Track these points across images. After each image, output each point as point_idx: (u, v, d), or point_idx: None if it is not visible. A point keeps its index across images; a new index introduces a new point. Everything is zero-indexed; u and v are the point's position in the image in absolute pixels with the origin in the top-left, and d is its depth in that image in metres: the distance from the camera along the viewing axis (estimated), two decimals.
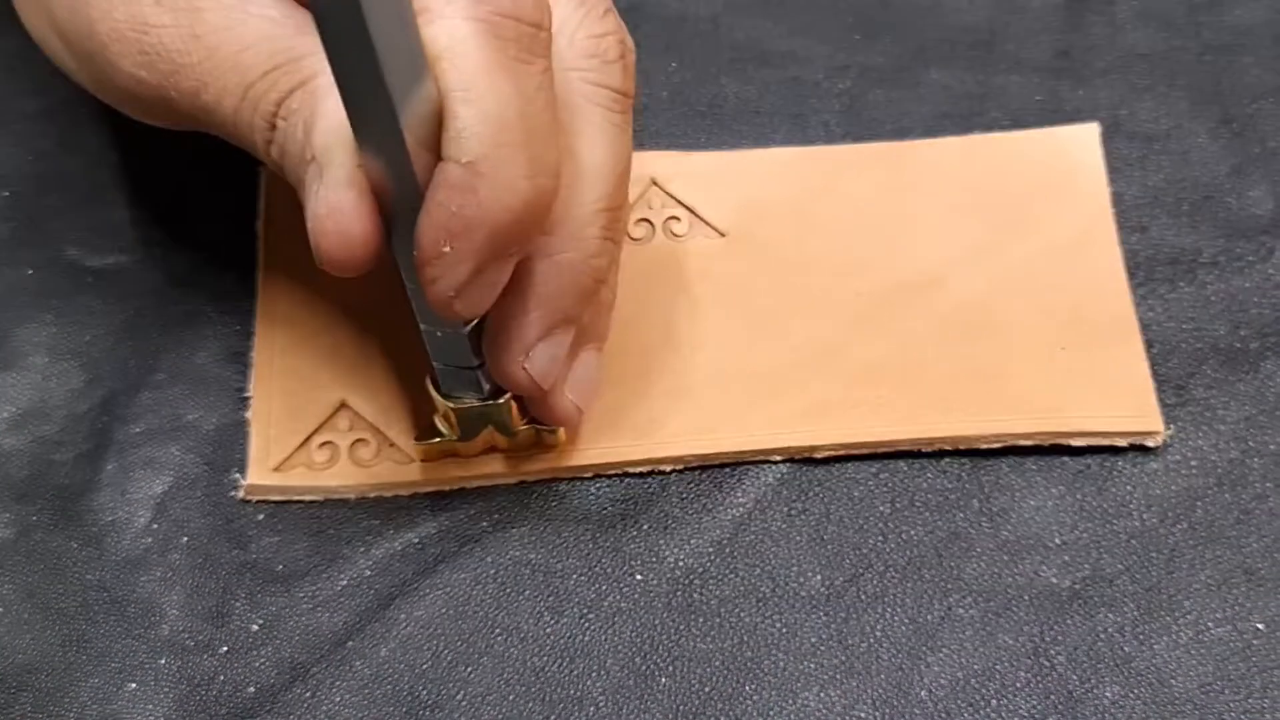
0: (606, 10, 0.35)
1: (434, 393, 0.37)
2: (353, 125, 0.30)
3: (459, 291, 0.32)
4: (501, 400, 0.37)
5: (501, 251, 0.32)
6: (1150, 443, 0.38)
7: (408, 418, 0.39)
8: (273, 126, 0.33)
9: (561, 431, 0.38)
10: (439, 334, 0.35)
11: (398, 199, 0.31)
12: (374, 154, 0.30)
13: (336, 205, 0.31)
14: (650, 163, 0.43)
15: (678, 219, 0.42)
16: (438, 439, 0.38)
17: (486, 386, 0.36)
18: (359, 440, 0.39)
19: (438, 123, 0.30)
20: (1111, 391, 0.39)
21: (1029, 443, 0.38)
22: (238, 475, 0.39)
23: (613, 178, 0.34)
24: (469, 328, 0.35)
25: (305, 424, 0.39)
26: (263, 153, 0.34)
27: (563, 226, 0.34)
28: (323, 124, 0.32)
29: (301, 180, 0.33)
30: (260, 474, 0.39)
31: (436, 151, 0.31)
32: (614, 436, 0.39)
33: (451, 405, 0.37)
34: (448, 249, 0.31)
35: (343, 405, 0.40)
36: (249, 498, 0.39)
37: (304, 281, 0.41)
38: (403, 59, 0.28)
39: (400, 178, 0.31)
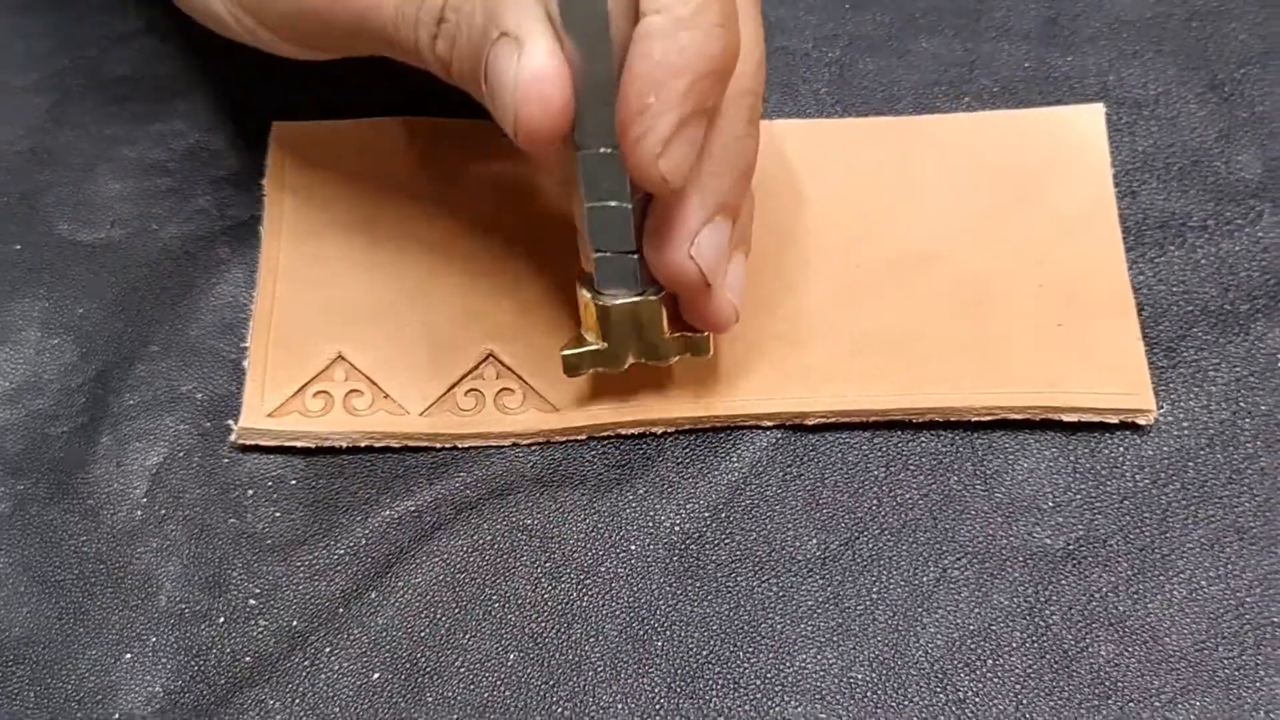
0: None
1: (585, 292, 0.36)
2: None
3: (664, 147, 0.32)
4: (655, 296, 0.36)
5: (701, 104, 0.32)
6: (1142, 420, 0.38)
7: (404, 369, 0.39)
8: (440, 20, 0.33)
9: (711, 340, 0.37)
10: (610, 207, 0.34)
11: (592, 80, 0.32)
12: (574, 27, 0.31)
13: (542, 73, 0.31)
14: None
15: None
16: (586, 348, 0.37)
17: (641, 279, 0.36)
18: (354, 391, 0.39)
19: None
20: (1106, 369, 0.39)
21: (1021, 416, 0.39)
22: (231, 423, 0.39)
23: (753, 62, 0.35)
24: (637, 198, 0.34)
25: (301, 373, 0.40)
26: (425, 48, 0.34)
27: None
28: (514, 3, 0.32)
29: (481, 62, 0.33)
30: (254, 418, 0.39)
31: (630, 19, 0.31)
32: (603, 400, 0.39)
33: (604, 303, 0.36)
34: (652, 100, 0.31)
35: (339, 357, 0.40)
36: (241, 441, 0.39)
37: (306, 236, 0.41)
38: None
39: (597, 55, 0.31)
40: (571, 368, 0.38)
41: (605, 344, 0.37)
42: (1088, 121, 0.42)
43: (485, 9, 0.32)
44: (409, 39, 0.34)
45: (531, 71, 0.31)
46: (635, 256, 0.35)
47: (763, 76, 0.36)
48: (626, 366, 0.38)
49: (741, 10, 0.34)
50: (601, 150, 0.33)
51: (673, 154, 0.32)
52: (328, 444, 0.39)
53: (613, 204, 0.34)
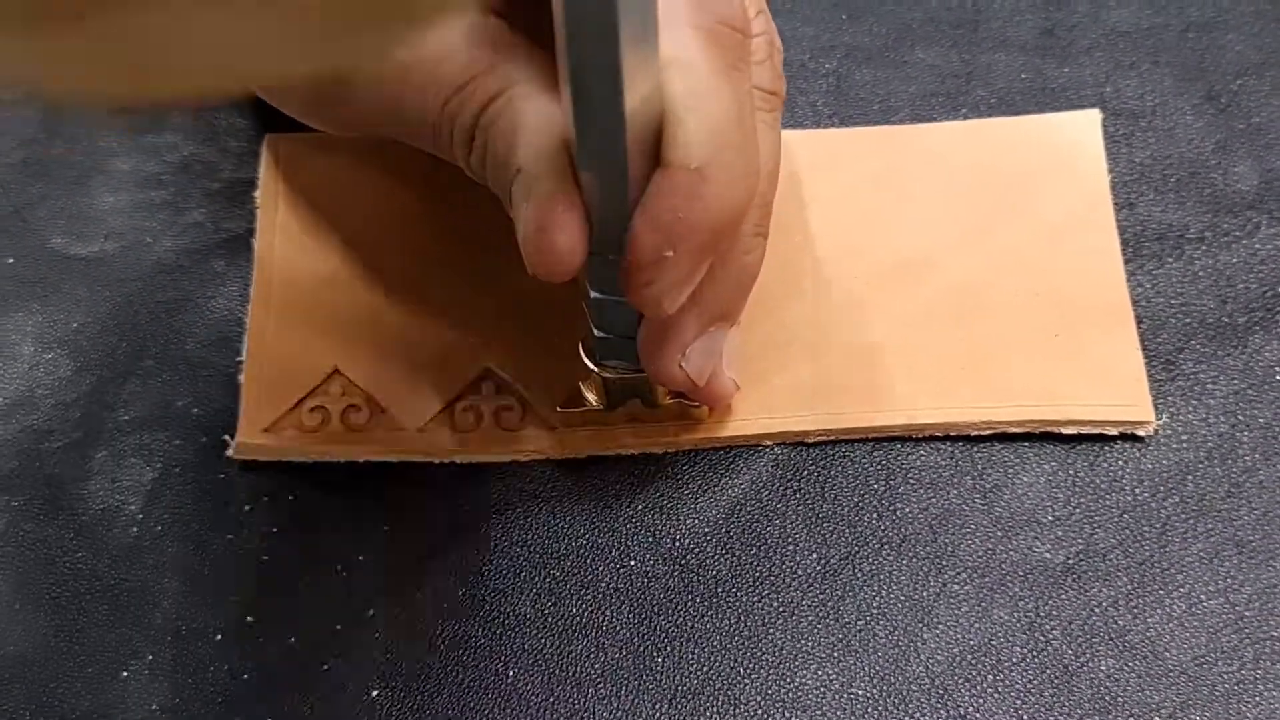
0: (759, 11, 0.35)
1: (587, 361, 0.37)
2: (575, 128, 0.30)
3: (676, 288, 0.32)
4: None
5: (714, 251, 0.32)
6: (1141, 432, 0.38)
7: (401, 385, 0.39)
8: (472, 138, 0.33)
9: (705, 408, 0.38)
10: (612, 302, 0.34)
11: (604, 202, 0.31)
12: (590, 159, 0.31)
13: (548, 221, 0.31)
14: None
15: None
16: (582, 408, 0.38)
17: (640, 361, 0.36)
18: (351, 406, 0.39)
19: (657, 128, 0.31)
20: (1104, 380, 0.39)
21: (1020, 430, 0.39)
22: (227, 438, 0.39)
23: (766, 173, 0.35)
24: None
25: (297, 388, 0.39)
26: (463, 163, 0.34)
27: None
28: (526, 136, 0.32)
29: (507, 192, 0.33)
30: (250, 434, 0.39)
31: (651, 157, 0.31)
32: (604, 420, 0.39)
33: (605, 374, 0.37)
34: (670, 253, 0.31)
35: (335, 372, 0.40)
36: (238, 457, 0.39)
37: (300, 250, 0.41)
38: (640, 63, 0.29)
39: (612, 182, 0.31)
40: (567, 425, 0.39)
41: (602, 406, 0.38)
42: (1084, 128, 0.42)
43: (505, 138, 0.32)
44: (446, 149, 0.34)
45: (538, 221, 0.31)
46: (634, 339, 0.36)
47: (775, 185, 0.35)
48: (622, 421, 0.39)
49: (760, 120, 0.34)
50: (610, 257, 0.33)
51: (678, 294, 0.33)
52: (325, 460, 0.39)
53: (617, 300, 0.34)
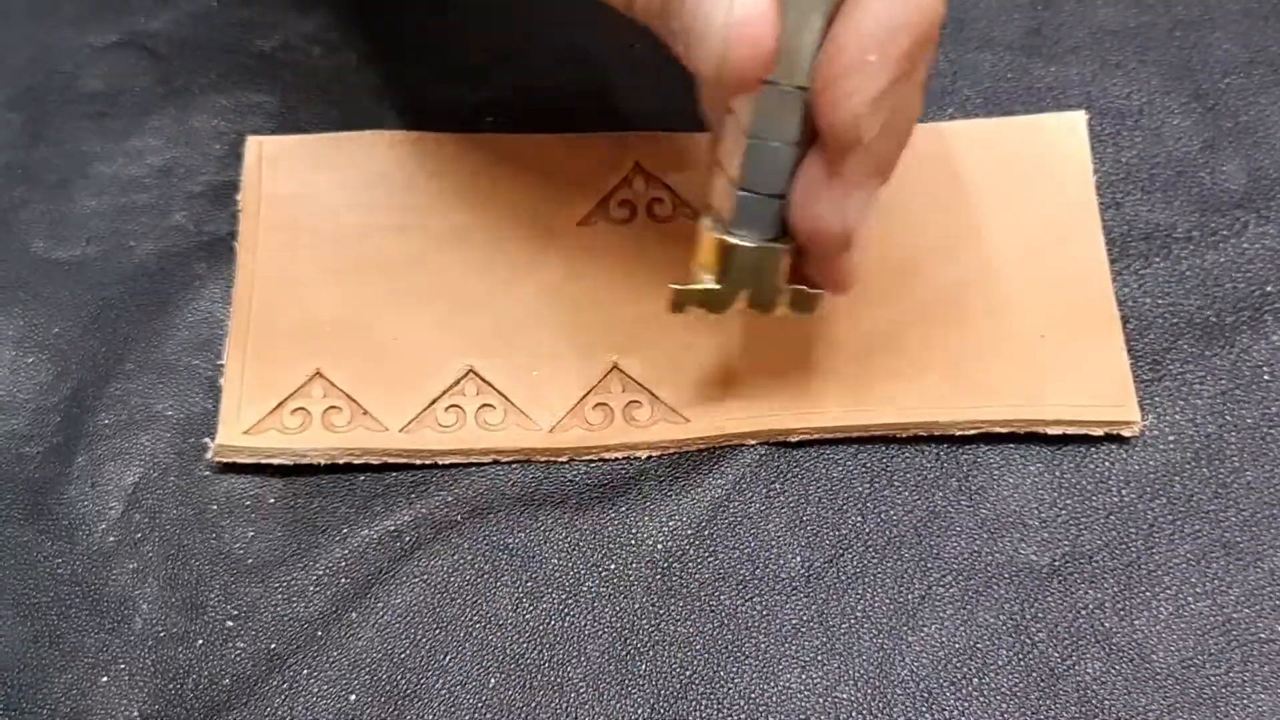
0: None
1: (714, 231, 0.35)
2: None
3: (873, 105, 0.31)
4: (785, 245, 0.34)
5: (915, 64, 0.32)
6: (1126, 433, 0.38)
7: (383, 386, 0.39)
8: None
9: (820, 298, 0.36)
10: (771, 146, 0.33)
11: (799, 12, 0.31)
12: None
13: (753, 11, 0.30)
14: (634, 145, 0.42)
15: (661, 201, 0.42)
16: (696, 285, 0.35)
17: (777, 227, 0.34)
18: (332, 407, 0.39)
19: None
20: (1090, 380, 0.39)
21: (1005, 430, 0.38)
22: (208, 441, 0.39)
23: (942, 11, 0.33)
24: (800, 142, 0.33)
25: (279, 389, 0.39)
26: None
27: None
28: None
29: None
30: (231, 435, 0.38)
31: None
32: (589, 424, 0.39)
33: (734, 241, 0.34)
34: (873, 57, 0.31)
35: (317, 373, 0.39)
36: (218, 459, 0.39)
37: (281, 252, 0.41)
38: None
39: None
40: (677, 304, 0.36)
41: (719, 284, 0.35)
42: (1069, 129, 0.42)
43: None
44: None
45: (745, 13, 0.30)
46: (780, 201, 0.34)
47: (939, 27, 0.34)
48: (730, 309, 0.36)
49: None
50: (785, 87, 0.32)
51: (878, 113, 0.31)
52: (306, 461, 0.39)
53: (776, 144, 0.33)
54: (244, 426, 0.39)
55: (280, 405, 0.39)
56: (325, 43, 0.45)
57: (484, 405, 0.39)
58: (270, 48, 0.46)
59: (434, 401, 0.39)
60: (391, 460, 0.39)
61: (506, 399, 0.39)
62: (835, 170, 0.33)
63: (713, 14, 0.31)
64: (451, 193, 0.42)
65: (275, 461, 0.39)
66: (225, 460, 0.39)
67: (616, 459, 0.39)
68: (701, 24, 0.31)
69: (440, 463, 0.39)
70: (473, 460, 0.39)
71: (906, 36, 0.31)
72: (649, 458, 0.39)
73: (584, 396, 0.39)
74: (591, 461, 0.39)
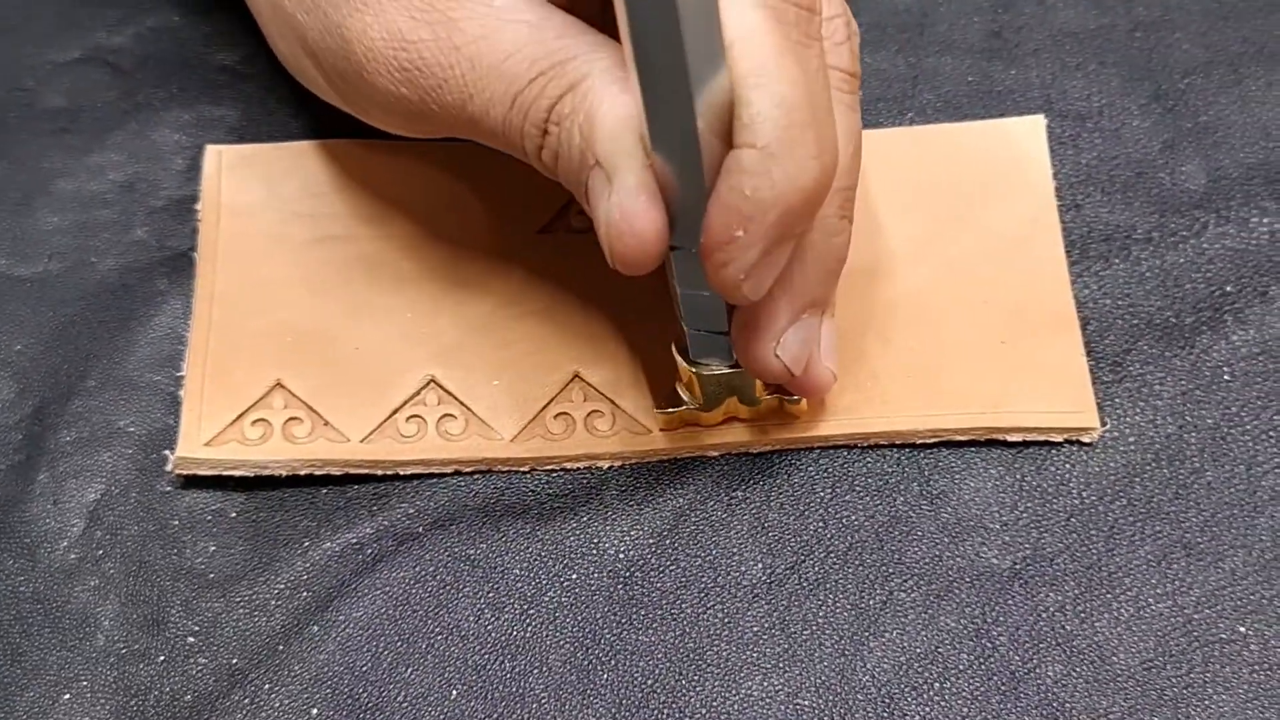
0: None
1: (681, 360, 0.37)
2: (647, 117, 0.30)
3: (748, 274, 0.32)
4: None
5: (789, 233, 0.32)
6: (1086, 439, 0.38)
7: (344, 396, 0.39)
8: (544, 133, 0.33)
9: (804, 401, 0.38)
10: (702, 295, 0.34)
11: (682, 190, 0.31)
12: (664, 146, 0.30)
13: (631, 211, 0.31)
14: None
15: None
16: (679, 408, 0.38)
17: (735, 354, 0.36)
18: (293, 418, 0.39)
19: (728, 111, 0.30)
20: (1050, 386, 0.39)
21: (966, 438, 0.38)
22: (168, 453, 0.39)
23: (846, 158, 0.34)
24: None
25: (239, 401, 0.39)
26: (534, 158, 0.34)
27: None
28: (603, 127, 0.32)
29: (582, 184, 0.33)
30: (191, 448, 0.38)
31: (725, 140, 0.31)
32: (550, 434, 0.39)
33: (698, 372, 0.37)
34: (740, 233, 0.31)
35: (278, 384, 0.39)
36: (178, 471, 0.38)
37: (241, 262, 0.41)
38: (704, 46, 0.29)
39: (688, 169, 0.31)
40: (667, 425, 0.38)
41: (699, 405, 0.38)
42: (1028, 133, 0.42)
43: (582, 130, 0.32)
44: (517, 145, 0.34)
45: (621, 211, 0.31)
46: (727, 335, 0.36)
47: (858, 166, 0.35)
48: (717, 420, 0.38)
49: (837, 102, 0.33)
50: (692, 250, 0.33)
51: (756, 278, 0.32)
52: (267, 473, 0.38)
53: (705, 294, 0.34)
54: (204, 438, 0.38)
55: (241, 417, 0.39)
56: None
57: (445, 415, 0.39)
58: (233, 61, 0.46)
59: (395, 412, 0.39)
60: (353, 471, 0.39)
61: (468, 409, 0.39)
62: (761, 316, 0.34)
63: (598, 211, 0.32)
64: (413, 202, 0.42)
65: (236, 474, 0.38)
66: (185, 473, 0.38)
67: (578, 469, 0.39)
68: (592, 211, 0.33)
69: (401, 473, 0.39)
70: (434, 471, 0.39)
71: (773, 212, 0.31)
72: (610, 467, 0.39)
73: (545, 406, 0.39)
74: (553, 471, 0.39)
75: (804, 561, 0.37)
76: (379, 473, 0.39)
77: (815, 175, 0.31)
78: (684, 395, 0.38)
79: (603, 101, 0.32)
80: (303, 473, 0.39)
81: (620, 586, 0.37)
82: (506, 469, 0.39)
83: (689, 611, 0.37)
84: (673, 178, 0.31)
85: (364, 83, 0.35)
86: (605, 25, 0.33)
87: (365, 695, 0.36)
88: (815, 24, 0.32)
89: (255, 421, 0.39)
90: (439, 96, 0.34)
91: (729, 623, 0.37)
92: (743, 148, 0.30)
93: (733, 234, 0.31)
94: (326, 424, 0.39)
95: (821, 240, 0.34)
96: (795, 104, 0.30)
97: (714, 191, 0.31)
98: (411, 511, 0.38)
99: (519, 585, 0.37)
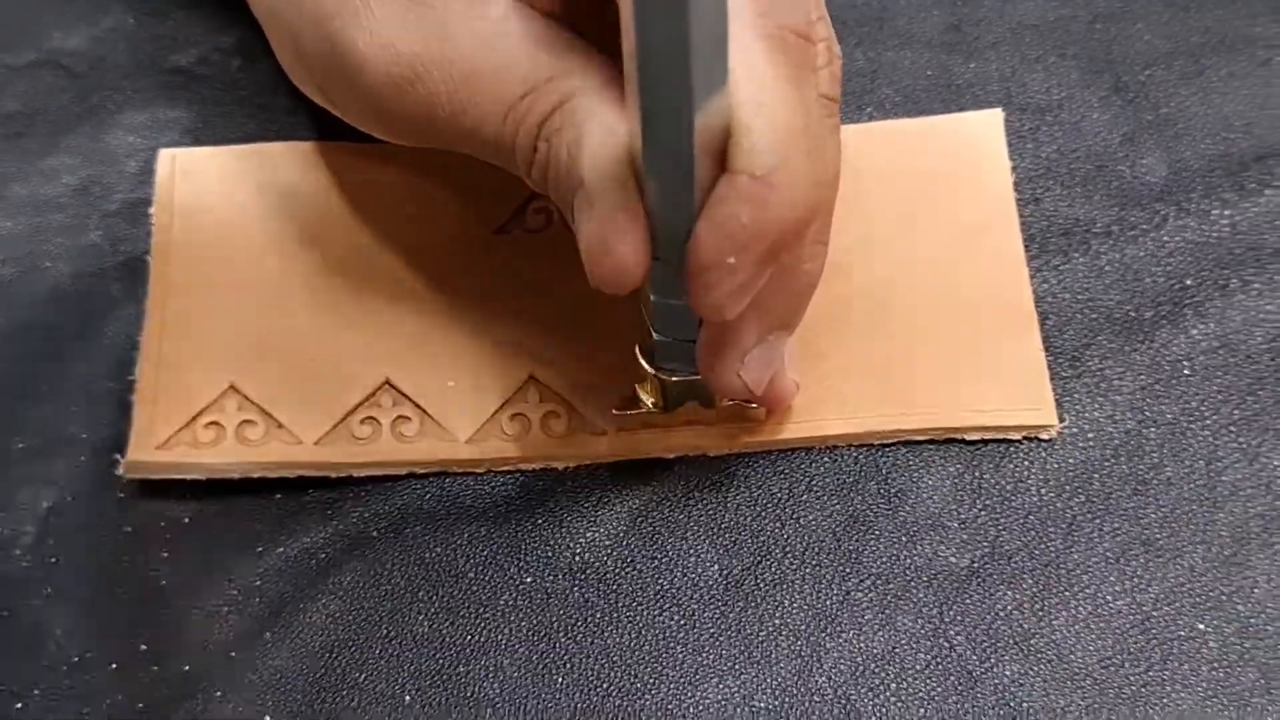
0: (820, 17, 0.34)
1: (645, 364, 0.37)
2: (643, 132, 0.29)
3: (734, 295, 0.32)
4: None
5: (777, 257, 0.32)
6: (1044, 436, 0.38)
7: (298, 398, 0.39)
8: (534, 149, 0.33)
9: (761, 410, 0.38)
10: (676, 306, 0.34)
11: (670, 208, 0.31)
12: (656, 163, 0.30)
13: (611, 233, 0.31)
14: None
15: None
16: (639, 410, 0.38)
17: (698, 367, 0.36)
18: (246, 421, 0.39)
19: (723, 134, 0.30)
20: (1008, 384, 0.38)
21: (924, 438, 0.38)
22: (117, 457, 0.38)
23: (828, 180, 0.34)
24: None
25: (191, 404, 0.39)
26: (524, 174, 0.34)
27: None
28: (589, 147, 0.31)
29: (569, 203, 0.32)
30: (142, 451, 0.38)
31: (718, 162, 0.30)
32: (506, 435, 0.39)
33: (662, 377, 0.37)
34: (731, 260, 0.31)
35: (231, 388, 0.39)
36: (129, 475, 0.38)
37: (195, 264, 0.41)
38: (710, 68, 0.28)
39: (679, 188, 0.30)
40: (623, 429, 0.38)
41: (659, 408, 0.38)
42: (986, 127, 0.42)
43: (570, 148, 0.32)
44: (510, 160, 0.34)
45: (601, 234, 0.31)
46: (694, 343, 0.35)
47: (836, 191, 0.35)
48: (678, 423, 0.38)
49: (822, 126, 0.33)
50: (671, 261, 0.32)
51: (739, 299, 0.32)
52: (219, 476, 0.38)
53: (676, 302, 0.34)
54: (156, 442, 0.38)
55: (193, 420, 0.39)
56: (243, 56, 0.45)
57: (400, 417, 0.39)
58: (188, 63, 0.45)
59: (349, 414, 0.39)
60: (306, 474, 0.38)
61: (423, 410, 0.39)
62: (724, 338, 0.34)
63: (581, 226, 0.32)
64: (367, 204, 0.42)
65: (188, 477, 0.38)
66: (136, 477, 0.38)
67: (534, 471, 0.39)
68: (576, 230, 0.32)
69: (356, 475, 0.38)
70: (389, 473, 0.38)
71: (764, 241, 0.31)
72: (566, 469, 0.39)
73: (501, 407, 0.39)
74: (508, 473, 0.39)
75: (761, 563, 0.37)
76: (333, 475, 0.38)
77: (810, 203, 0.31)
78: (644, 398, 0.38)
79: (591, 118, 0.32)
80: (256, 476, 0.38)
81: (576, 589, 0.37)
82: (462, 470, 0.39)
83: (646, 614, 0.37)
84: (661, 197, 0.31)
85: (360, 93, 0.35)
86: (597, 36, 0.33)
87: (319, 701, 0.36)
88: (812, 53, 0.32)
89: (208, 425, 0.39)
90: (433, 110, 0.34)
91: (686, 625, 0.36)
92: (741, 174, 0.30)
93: (724, 260, 0.31)
94: (280, 426, 0.39)
95: (799, 265, 0.34)
96: (794, 134, 0.31)
97: (706, 215, 0.31)
98: (366, 515, 0.38)
99: (474, 589, 0.37)
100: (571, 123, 0.32)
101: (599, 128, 0.31)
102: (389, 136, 0.37)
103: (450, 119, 0.34)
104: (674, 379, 0.37)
